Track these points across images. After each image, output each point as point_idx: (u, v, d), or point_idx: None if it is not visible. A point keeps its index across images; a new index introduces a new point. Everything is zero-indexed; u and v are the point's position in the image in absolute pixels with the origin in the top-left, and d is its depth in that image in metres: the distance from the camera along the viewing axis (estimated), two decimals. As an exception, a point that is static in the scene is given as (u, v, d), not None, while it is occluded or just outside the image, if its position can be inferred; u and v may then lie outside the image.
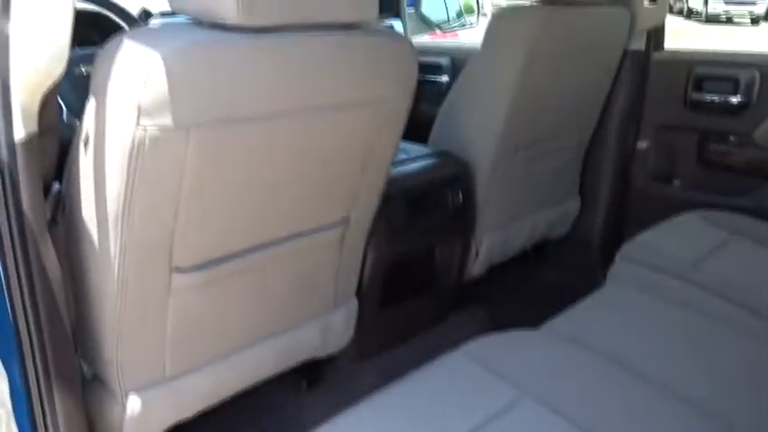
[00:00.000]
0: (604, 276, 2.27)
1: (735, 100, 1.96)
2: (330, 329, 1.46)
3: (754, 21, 16.19)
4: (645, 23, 2.02)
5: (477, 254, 1.89)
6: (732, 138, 2.00)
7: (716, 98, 2.00)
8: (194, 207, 1.02)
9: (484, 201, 1.81)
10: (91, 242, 1.00)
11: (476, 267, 1.91)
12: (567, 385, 1.12)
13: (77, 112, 1.45)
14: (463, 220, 1.79)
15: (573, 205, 2.20)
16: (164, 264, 1.06)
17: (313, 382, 1.62)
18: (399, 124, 1.24)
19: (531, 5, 1.68)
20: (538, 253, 2.28)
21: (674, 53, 2.12)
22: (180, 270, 1.08)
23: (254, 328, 1.29)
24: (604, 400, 1.10)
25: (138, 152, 0.90)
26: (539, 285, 2.29)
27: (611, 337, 1.29)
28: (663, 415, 1.07)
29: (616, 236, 2.30)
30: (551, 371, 1.16)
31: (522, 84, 1.66)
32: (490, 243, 1.89)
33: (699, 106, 2.04)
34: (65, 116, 1.47)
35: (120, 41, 0.89)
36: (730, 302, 1.46)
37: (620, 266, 1.65)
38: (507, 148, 1.77)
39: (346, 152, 1.18)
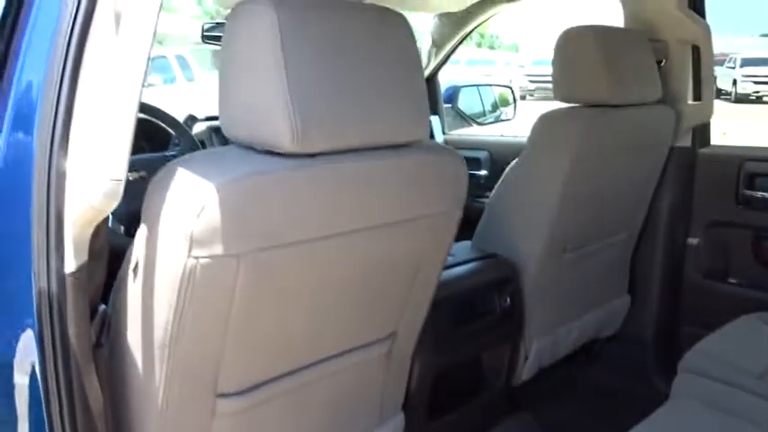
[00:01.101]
0: (659, 378, 2.16)
1: None
2: None
3: None
4: (690, 121, 2.00)
5: (526, 358, 1.81)
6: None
7: None
8: (242, 333, 0.99)
9: (532, 303, 1.75)
10: (135, 367, 0.97)
11: (525, 372, 1.83)
12: None
13: (121, 217, 1.46)
14: (511, 324, 1.73)
15: (622, 304, 2.12)
16: (208, 390, 1.02)
17: None
18: (450, 237, 1.21)
19: (578, 107, 1.68)
20: (587, 353, 2.18)
21: (721, 148, 2.09)
22: (224, 396, 1.04)
23: None
24: None
25: (188, 282, 0.88)
26: (588, 387, 2.18)
27: None
28: None
29: (669, 335, 2.20)
30: None
31: (568, 185, 1.64)
32: (540, 346, 1.81)
33: (751, 203, 1.98)
34: (109, 222, 1.48)
35: (173, 170, 0.89)
36: None
37: (682, 378, 1.55)
38: (554, 249, 1.73)
39: (396, 268, 1.15)
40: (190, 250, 0.85)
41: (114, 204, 0.82)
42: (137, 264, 0.92)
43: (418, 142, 1.07)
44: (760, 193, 1.96)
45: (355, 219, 1.00)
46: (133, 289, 0.93)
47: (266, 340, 1.03)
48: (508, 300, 1.69)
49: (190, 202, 0.85)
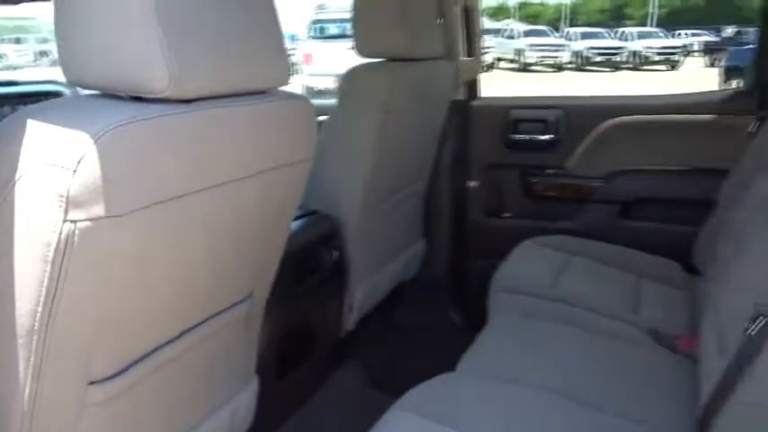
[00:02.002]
0: (455, 312, 2.41)
1: (547, 137, 2.23)
2: (237, 414, 1.34)
3: (559, 68, 19.03)
4: (465, 76, 2.22)
5: (350, 308, 1.88)
6: (549, 170, 2.26)
7: (531, 137, 2.25)
8: (117, 306, 0.88)
9: (354, 254, 1.82)
10: None
11: (350, 321, 1.91)
12: (503, 418, 1.17)
13: None
14: (340, 277, 1.78)
15: (420, 247, 2.30)
16: (80, 378, 0.90)
17: None
18: (302, 187, 1.21)
19: (380, 63, 1.76)
20: (393, 298, 2.34)
21: (490, 99, 2.36)
22: (95, 383, 0.93)
23: (172, 427, 1.14)
24: (544, 426, 1.16)
25: (65, 251, 0.76)
26: (399, 328, 2.34)
27: (522, 365, 1.37)
28: (591, 421, 1.17)
29: (459, 271, 2.45)
30: (483, 408, 1.20)
31: (380, 139, 1.72)
32: (362, 295, 1.90)
33: (517, 145, 2.28)
34: None
35: (27, 120, 0.76)
36: (595, 312, 1.64)
37: (494, 299, 1.76)
38: (370, 200, 1.81)
39: (260, 220, 1.12)
40: (66, 213, 0.74)
41: None
42: None
43: (276, 88, 1.05)
44: (523, 136, 2.26)
45: (232, 168, 0.96)
46: None
47: (139, 312, 0.94)
48: (336, 253, 1.74)
49: (63, 156, 0.73)
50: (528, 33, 20.08)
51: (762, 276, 1.15)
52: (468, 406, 1.21)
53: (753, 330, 1.00)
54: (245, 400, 1.37)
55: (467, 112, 2.31)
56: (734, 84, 11.24)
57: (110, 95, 0.85)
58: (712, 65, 20.36)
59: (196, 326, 1.11)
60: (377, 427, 1.17)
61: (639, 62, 19.52)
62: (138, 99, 0.84)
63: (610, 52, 19.67)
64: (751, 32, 20.98)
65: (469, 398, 1.23)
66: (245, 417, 1.39)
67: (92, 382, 0.92)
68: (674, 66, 19.40)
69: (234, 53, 0.91)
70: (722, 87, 11.54)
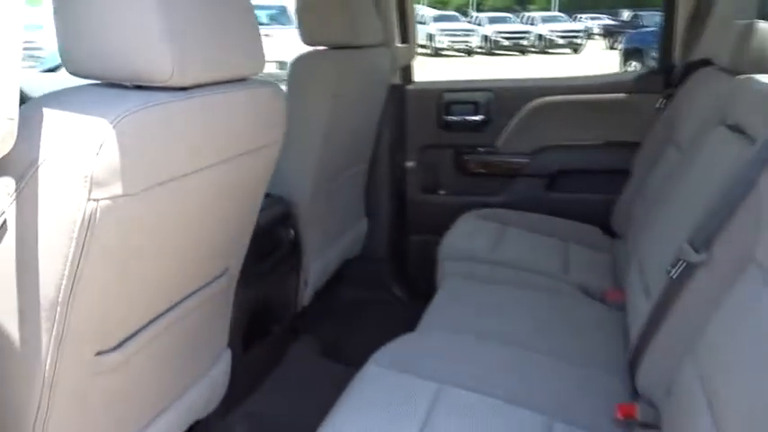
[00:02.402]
0: (396, 286, 2.55)
1: (478, 118, 2.39)
2: (214, 384, 1.42)
3: (575, 50, 19.99)
4: (401, 61, 2.35)
5: (306, 284, 1.98)
6: (481, 149, 2.43)
7: (463, 118, 2.41)
8: (125, 279, 0.96)
9: (308, 234, 1.92)
10: (10, 338, 0.87)
11: (305, 297, 2.00)
12: (467, 365, 1.31)
13: None
14: (296, 254, 1.88)
15: (362, 226, 2.42)
16: (91, 349, 0.96)
17: None
18: (273, 167, 1.30)
19: (326, 51, 1.86)
20: (339, 275, 2.45)
21: (424, 83, 2.49)
22: (102, 353, 0.99)
23: (159, 400, 1.21)
24: (504, 371, 1.31)
25: (88, 227, 0.83)
26: (346, 303, 2.46)
27: (475, 320, 1.52)
28: (543, 365, 1.34)
29: (399, 247, 2.59)
30: (449, 359, 1.34)
31: (329, 124, 1.82)
32: (316, 272, 2.00)
33: (450, 126, 2.43)
34: None
35: (45, 108, 0.82)
36: (532, 272, 1.82)
37: (442, 266, 1.90)
38: (320, 181, 1.91)
39: (238, 200, 1.21)
40: (90, 193, 0.81)
41: (10, 145, 0.74)
42: (4, 220, 0.83)
43: (253, 76, 1.13)
44: (456, 118, 2.42)
45: (223, 149, 1.04)
46: (4, 245, 0.83)
47: (142, 284, 1.01)
48: (291, 232, 1.83)
49: (86, 140, 0.80)
50: (437, 19, 20.49)
51: (678, 230, 1.34)
52: (435, 357, 1.34)
53: (674, 273, 1.18)
54: (221, 371, 1.45)
55: (403, 96, 2.44)
56: (633, 64, 11.97)
57: (113, 85, 0.92)
58: (612, 47, 21.47)
59: (183, 299, 1.18)
60: (353, 384, 1.28)
61: (545, 46, 20.30)
62: (140, 88, 0.91)
63: (517, 36, 20.33)
64: (646, 16, 22.31)
65: (435, 350, 1.37)
66: (220, 387, 1.47)
67: (98, 353, 0.99)
68: (576, 49, 20.29)
69: (222, 43, 1.00)
70: (623, 69, 12.27)
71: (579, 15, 27.54)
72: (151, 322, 1.11)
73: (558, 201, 2.34)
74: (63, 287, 0.85)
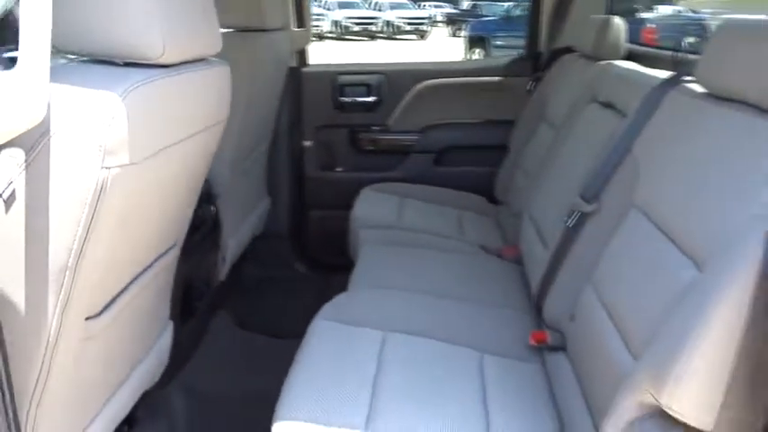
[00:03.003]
0: (299, 262, 2.67)
1: (370, 99, 2.58)
2: (161, 356, 1.50)
3: (422, 36, 20.80)
4: (297, 45, 2.46)
5: (224, 260, 2.06)
6: (374, 128, 2.62)
7: (356, 99, 2.58)
8: (117, 244, 1.03)
9: (226, 210, 2.00)
10: (15, 304, 0.92)
11: (223, 272, 2.08)
12: (403, 315, 1.50)
13: None
14: (216, 231, 1.95)
15: (265, 205, 2.52)
16: (84, 313, 1.03)
17: (132, 421, 1.59)
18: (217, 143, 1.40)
19: (234, 33, 1.94)
20: (245, 252, 2.54)
21: (319, 66, 2.63)
22: (90, 318, 1.06)
23: (123, 368, 1.28)
24: (435, 317, 1.52)
25: (100, 194, 0.90)
26: (254, 280, 2.55)
27: (398, 278, 1.72)
28: (466, 310, 1.57)
29: (300, 224, 2.72)
30: (386, 310, 1.52)
31: (246, 104, 1.91)
32: (232, 248, 2.09)
33: (345, 107, 2.59)
34: None
35: (56, 81, 0.87)
36: (436, 236, 2.05)
37: (358, 234, 2.07)
38: (236, 162, 2.00)
39: (195, 173, 1.30)
40: (102, 161, 0.88)
41: (40, 118, 0.81)
42: (13, 190, 0.88)
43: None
44: (350, 99, 2.59)
45: (200, 121, 1.14)
46: (12, 214, 0.87)
47: (127, 249, 1.09)
48: (213, 209, 1.90)
49: (99, 112, 0.87)
50: (341, 6, 20.80)
51: (566, 191, 1.62)
52: (374, 310, 1.52)
53: (570, 223, 1.44)
54: (166, 342, 1.52)
55: (299, 79, 2.56)
56: (477, 51, 12.75)
57: (103, 62, 0.98)
58: (455, 35, 22.58)
59: (148, 267, 1.26)
60: (306, 339, 1.41)
61: (393, 32, 20.91)
62: (130, 65, 0.99)
63: (366, 22, 20.75)
64: (484, 5, 23.61)
65: (372, 304, 1.55)
66: (165, 358, 1.54)
67: (88, 318, 1.05)
68: (423, 35, 21.13)
69: (198, 23, 1.09)
70: (467, 55, 13.02)
71: (424, 3, 28.58)
72: (125, 289, 1.18)
73: (447, 174, 2.59)
74: (73, 251, 0.91)
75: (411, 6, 23.27)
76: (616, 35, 1.93)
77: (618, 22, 1.94)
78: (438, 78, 2.57)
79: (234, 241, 2.10)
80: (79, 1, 0.95)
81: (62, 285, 0.93)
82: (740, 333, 0.83)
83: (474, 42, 12.88)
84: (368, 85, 2.58)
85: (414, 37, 21.00)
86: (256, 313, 2.35)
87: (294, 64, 2.51)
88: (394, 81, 2.58)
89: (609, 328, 1.17)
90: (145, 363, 1.40)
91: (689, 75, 1.34)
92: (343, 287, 2.59)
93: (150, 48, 0.97)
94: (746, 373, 0.83)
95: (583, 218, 1.43)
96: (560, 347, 1.40)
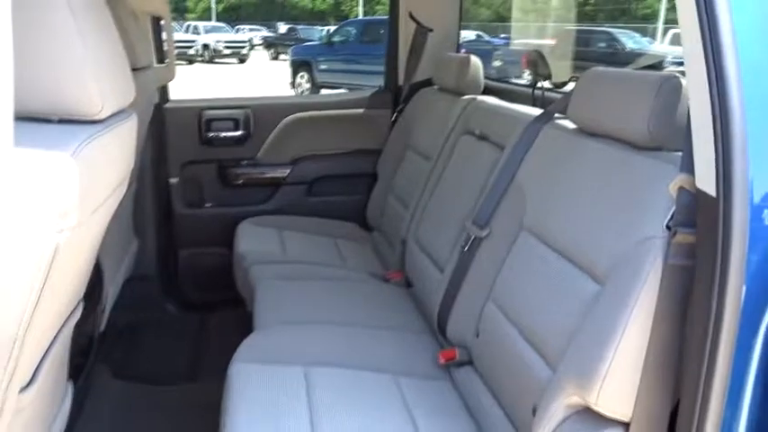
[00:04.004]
0: (170, 304, 2.59)
1: (238, 133, 2.58)
2: (63, 421, 1.42)
3: (242, 60, 20.93)
4: (160, 81, 2.40)
5: (103, 310, 1.95)
6: (243, 161, 2.62)
7: (224, 134, 2.57)
8: (53, 307, 0.99)
9: (105, 258, 1.90)
10: None
11: (103, 322, 1.97)
12: (319, 348, 1.55)
13: None
14: (99, 280, 1.85)
15: (134, 246, 2.42)
16: (19, 383, 0.97)
17: None
18: None
19: None
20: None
21: (183, 102, 2.57)
22: (22, 389, 1.00)
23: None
24: (348, 346, 1.58)
25: (53, 258, 0.86)
26: (120, 327, 2.42)
27: (303, 310, 1.76)
28: (372, 336, 1.65)
29: (170, 263, 2.63)
30: (300, 345, 1.56)
31: None
32: (112, 295, 1.99)
33: (212, 142, 2.57)
34: None
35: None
36: (324, 266, 2.12)
37: (253, 271, 2.06)
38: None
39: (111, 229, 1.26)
40: (57, 224, 0.85)
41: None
42: None
43: None
44: (217, 134, 2.56)
45: (126, 171, 1.13)
46: None
47: (55, 312, 1.04)
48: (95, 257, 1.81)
49: (50, 175, 0.83)
50: (211, 30, 20.43)
51: (454, 219, 1.77)
52: (289, 346, 1.55)
53: (466, 247, 1.59)
54: (67, 404, 1.43)
55: (163, 115, 2.49)
56: (302, 75, 12.93)
57: (41, 120, 0.94)
58: (275, 58, 22.68)
59: (62, 327, 1.19)
60: (230, 384, 1.41)
61: (212, 55, 20.50)
62: (65, 121, 0.95)
63: (183, 46, 20.14)
64: (301, 30, 23.98)
65: (285, 340, 1.57)
66: (65, 422, 1.45)
67: (21, 390, 0.99)
68: (243, 59, 20.95)
69: (120, 75, 1.07)
70: (294, 79, 13.14)
71: (240, 26, 28.36)
72: (45, 354, 1.11)
73: (319, 204, 2.66)
74: (23, 321, 0.87)
75: (228, 30, 23.01)
76: (475, 72, 2.14)
77: (476, 60, 2.16)
78: (304, 111, 2.64)
79: (113, 289, 2.00)
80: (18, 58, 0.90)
81: (9, 358, 0.88)
82: (650, 324, 1.00)
83: (299, 66, 13.08)
84: (235, 120, 2.58)
85: (234, 61, 20.76)
86: (132, 361, 2.24)
87: (157, 101, 2.44)
88: (261, 115, 2.60)
89: (519, 340, 1.32)
90: (57, 422, 1.32)
91: (558, 111, 1.55)
92: (219, 326, 2.56)
93: (89, 104, 0.95)
94: (656, 361, 1.00)
95: (477, 242, 1.58)
96: (467, 362, 1.54)
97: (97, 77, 0.95)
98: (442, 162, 2.03)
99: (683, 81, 1.14)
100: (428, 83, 2.51)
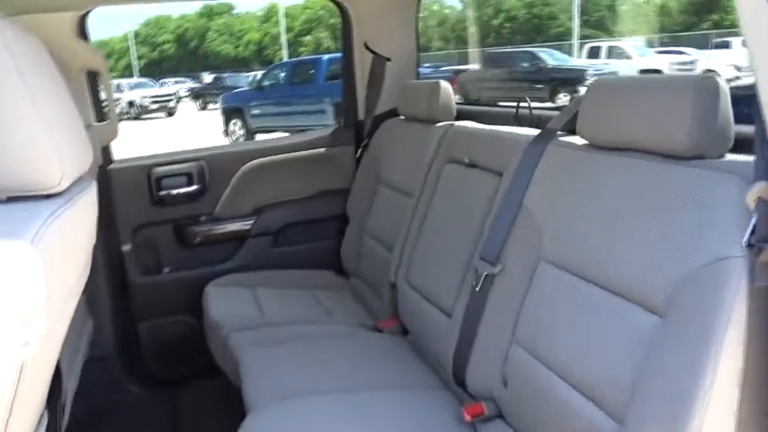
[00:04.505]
0: (133, 384, 2.33)
1: (193, 188, 2.36)
2: None
3: (171, 113, 20.57)
4: (103, 141, 2.18)
5: (63, 410, 1.70)
6: (201, 218, 2.40)
7: (177, 191, 2.35)
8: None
9: (63, 351, 1.66)
10: None
11: (64, 424, 1.72)
12: (328, 424, 1.36)
13: None
14: (57, 375, 1.60)
15: (89, 325, 2.16)
16: None
17: None
18: None
19: None
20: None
21: (128, 161, 2.34)
22: None
23: None
24: (360, 416, 1.40)
25: (19, 380, 0.67)
26: (79, 419, 2.15)
27: (301, 381, 1.56)
28: (382, 400, 1.47)
29: (130, 338, 2.37)
30: (306, 423, 1.36)
31: None
32: (71, 390, 1.73)
33: (165, 201, 2.34)
34: None
35: None
36: (311, 324, 1.93)
37: (230, 341, 1.84)
38: None
39: None
40: (20, 336, 0.66)
41: None
42: None
43: None
44: (170, 191, 2.34)
45: (89, 249, 0.99)
46: None
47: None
48: None
49: (8, 273, 0.65)
50: (135, 86, 19.98)
51: (455, 256, 1.61)
52: (296, 427, 1.34)
53: (478, 287, 1.43)
54: None
55: (108, 177, 2.26)
56: (235, 122, 12.72)
57: None
58: (204, 108, 22.35)
59: None
60: None
61: (138, 112, 20.01)
62: (16, 199, 0.77)
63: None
64: (227, 78, 23.80)
65: (291, 421, 1.37)
66: None
67: None
68: (171, 112, 20.52)
69: (77, 136, 0.90)
70: (228, 126, 12.91)
71: (164, 80, 27.95)
72: None
73: (288, 254, 2.46)
74: None
75: (153, 84, 22.60)
76: (446, 97, 2.01)
77: (446, 85, 2.04)
78: (263, 157, 2.45)
79: (73, 381, 1.75)
80: None
81: None
82: (740, 360, 0.86)
83: (230, 113, 12.87)
84: (188, 174, 2.36)
85: (162, 115, 20.32)
86: None
87: (99, 162, 2.21)
88: (215, 166, 2.40)
89: (560, 385, 1.16)
90: None
91: (561, 129, 1.43)
92: (195, 404, 2.31)
93: (47, 174, 0.76)
94: (754, 406, 0.87)
95: (489, 280, 1.43)
96: (496, 416, 1.37)
97: (54, 142, 0.77)
98: (426, 196, 1.88)
99: (721, 81, 1.03)
100: (392, 113, 2.37)
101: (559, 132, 1.43)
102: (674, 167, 1.06)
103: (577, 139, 1.33)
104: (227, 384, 1.88)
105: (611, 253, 1.12)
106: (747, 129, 1.14)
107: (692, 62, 18.18)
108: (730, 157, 1.05)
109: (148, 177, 2.32)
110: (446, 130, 1.93)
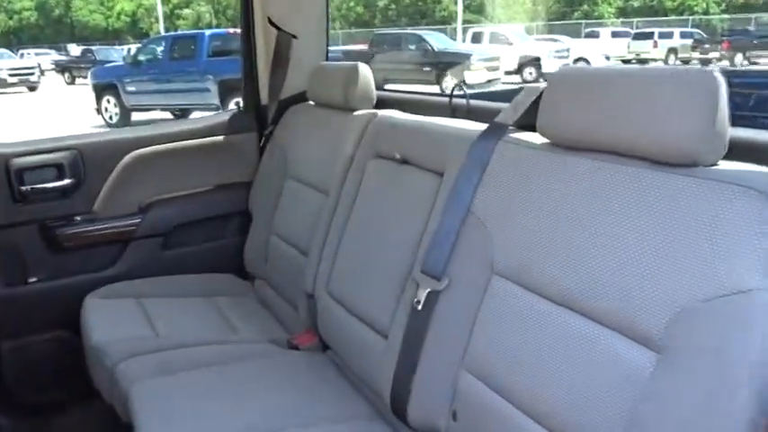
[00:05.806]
0: (3, 412, 1.96)
1: (65, 183, 2.00)
2: None
3: (32, 88, 18.51)
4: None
5: None
6: (76, 218, 2.04)
7: (45, 185, 1.97)
8: None
9: None
10: None
11: None
12: None
13: None
14: None
15: None
16: None
17: None
18: None
19: None
20: None
21: None
22: None
23: None
24: None
25: None
26: None
27: (202, 416, 1.30)
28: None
29: None
30: None
31: None
32: None
33: (29, 198, 1.96)
34: None
35: None
36: (211, 345, 1.67)
37: (117, 371, 1.54)
38: None
39: None
40: None
41: None
42: None
43: None
44: (35, 186, 1.96)
45: None
46: None
47: None
48: None
49: None
50: None
51: (381, 266, 1.42)
52: None
53: (420, 305, 1.24)
54: None
55: None
56: (108, 99, 11.81)
57: None
58: (72, 82, 20.65)
59: None
60: None
61: (-5, 86, 18.16)
62: None
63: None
64: (97, 51, 22.14)
65: None
66: None
67: None
68: (33, 87, 18.75)
69: None
70: (99, 104, 11.96)
71: (24, 51, 25.58)
72: None
73: (181, 257, 2.15)
74: None
75: (11, 56, 20.56)
76: (366, 83, 1.80)
77: (365, 68, 1.82)
78: (149, 146, 2.12)
79: None
80: None
81: None
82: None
83: (102, 90, 11.91)
84: (58, 166, 1.99)
85: (23, 89, 18.53)
86: None
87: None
88: (92, 156, 2.04)
89: (520, 418, 1.01)
90: None
91: (512, 124, 1.26)
92: (70, 430, 1.98)
93: None
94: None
95: (433, 296, 1.24)
96: None
97: None
98: (346, 196, 1.66)
99: (718, 75, 0.89)
100: (300, 98, 2.12)
101: (511, 128, 1.26)
102: (660, 175, 0.91)
103: (536, 137, 1.17)
104: (111, 408, 1.58)
105: (580, 270, 0.97)
106: (739, 132, 1.02)
107: (567, 50, 19.05)
108: (724, 164, 0.92)
109: (6, 169, 1.92)
110: (369, 120, 1.71)
